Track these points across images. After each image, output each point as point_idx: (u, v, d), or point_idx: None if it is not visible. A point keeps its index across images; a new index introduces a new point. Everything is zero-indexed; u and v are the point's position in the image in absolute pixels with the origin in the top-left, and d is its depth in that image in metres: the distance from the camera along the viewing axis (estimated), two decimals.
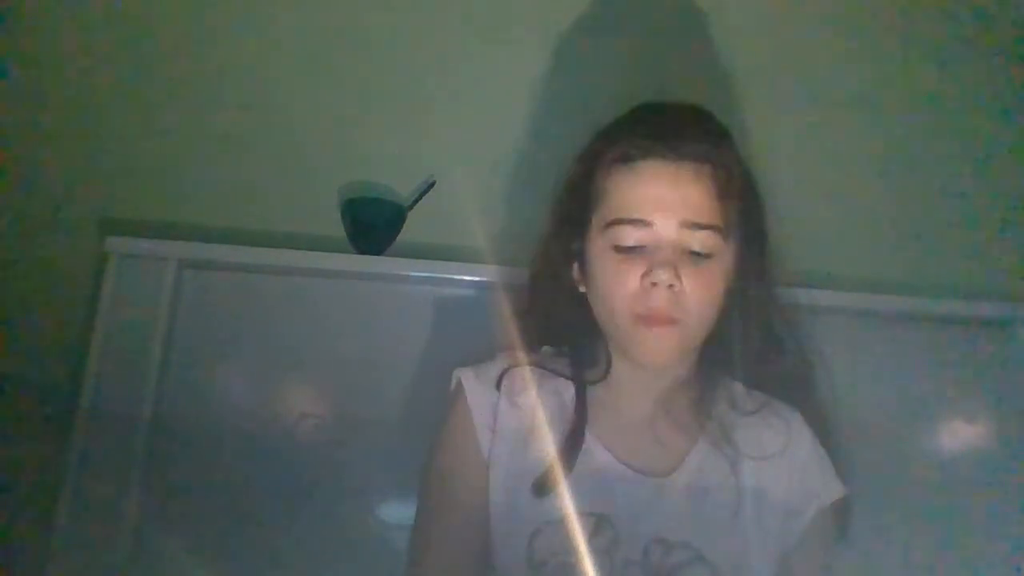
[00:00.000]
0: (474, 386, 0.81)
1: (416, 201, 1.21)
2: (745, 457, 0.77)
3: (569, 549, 0.71)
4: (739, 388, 0.83)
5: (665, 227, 0.72)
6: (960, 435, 1.17)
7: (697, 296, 0.72)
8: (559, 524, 0.72)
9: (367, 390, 1.16)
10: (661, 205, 0.72)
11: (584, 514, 0.73)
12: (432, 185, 1.21)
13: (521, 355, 0.83)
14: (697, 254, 0.73)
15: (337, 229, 1.20)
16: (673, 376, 0.80)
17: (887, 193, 1.26)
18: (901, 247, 1.25)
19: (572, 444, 0.76)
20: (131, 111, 1.24)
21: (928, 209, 1.26)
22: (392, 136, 1.25)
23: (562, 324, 0.84)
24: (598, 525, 0.73)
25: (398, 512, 1.12)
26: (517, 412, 0.78)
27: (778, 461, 0.78)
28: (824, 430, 0.83)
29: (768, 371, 0.82)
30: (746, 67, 1.26)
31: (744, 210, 0.77)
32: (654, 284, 0.71)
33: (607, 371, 0.81)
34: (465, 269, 1.16)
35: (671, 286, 0.71)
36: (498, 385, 0.80)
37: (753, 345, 0.80)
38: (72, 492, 1.06)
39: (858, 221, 1.25)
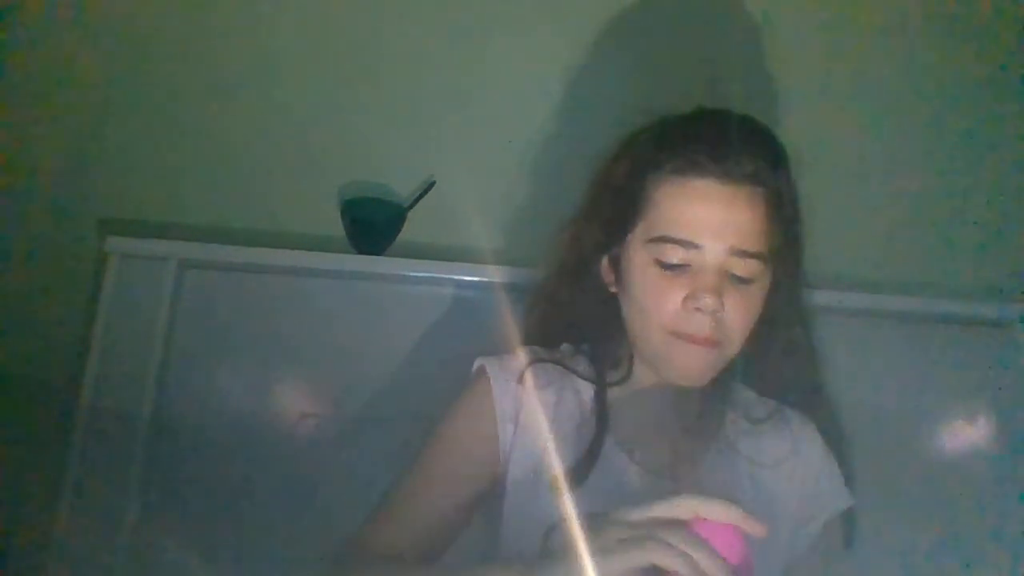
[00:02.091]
0: (499, 375, 0.79)
1: (416, 201, 1.21)
2: (755, 463, 0.77)
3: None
4: (751, 395, 0.83)
5: (713, 252, 0.71)
6: (960, 435, 1.17)
7: (738, 319, 0.71)
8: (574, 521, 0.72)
9: (367, 390, 1.16)
10: (712, 229, 0.71)
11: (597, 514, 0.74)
12: (432, 185, 1.21)
13: (541, 351, 0.82)
14: (739, 278, 0.72)
15: (337, 229, 1.20)
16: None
17: (887, 193, 1.26)
18: (901, 247, 1.25)
19: (591, 451, 0.75)
20: (131, 111, 1.24)
21: (928, 209, 1.26)
22: (392, 136, 1.25)
23: (585, 321, 0.83)
24: None
25: None
26: (539, 408, 0.77)
27: (787, 468, 0.78)
28: (838, 440, 0.83)
29: (784, 381, 0.82)
30: (745, 69, 1.26)
31: (789, 233, 0.76)
32: (697, 309, 0.70)
33: (628, 374, 0.80)
34: (465, 269, 1.16)
35: (714, 311, 0.70)
36: (521, 379, 0.78)
37: (773, 356, 0.80)
38: (72, 492, 1.06)
39: (858, 221, 1.25)
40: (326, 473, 1.12)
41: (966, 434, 1.17)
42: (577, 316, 0.83)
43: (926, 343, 1.19)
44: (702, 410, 0.80)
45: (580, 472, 0.73)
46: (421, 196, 1.21)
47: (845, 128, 1.27)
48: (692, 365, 0.72)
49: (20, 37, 1.24)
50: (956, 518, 1.11)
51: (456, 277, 1.17)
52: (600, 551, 0.51)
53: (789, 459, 0.78)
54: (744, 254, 0.71)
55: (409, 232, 1.21)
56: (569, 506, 0.67)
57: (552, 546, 0.67)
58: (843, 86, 1.28)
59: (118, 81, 1.24)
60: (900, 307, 1.18)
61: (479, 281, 1.16)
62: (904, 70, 1.29)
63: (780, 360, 0.81)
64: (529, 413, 0.77)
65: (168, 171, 1.23)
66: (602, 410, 0.77)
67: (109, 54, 1.24)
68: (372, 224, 1.18)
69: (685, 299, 0.71)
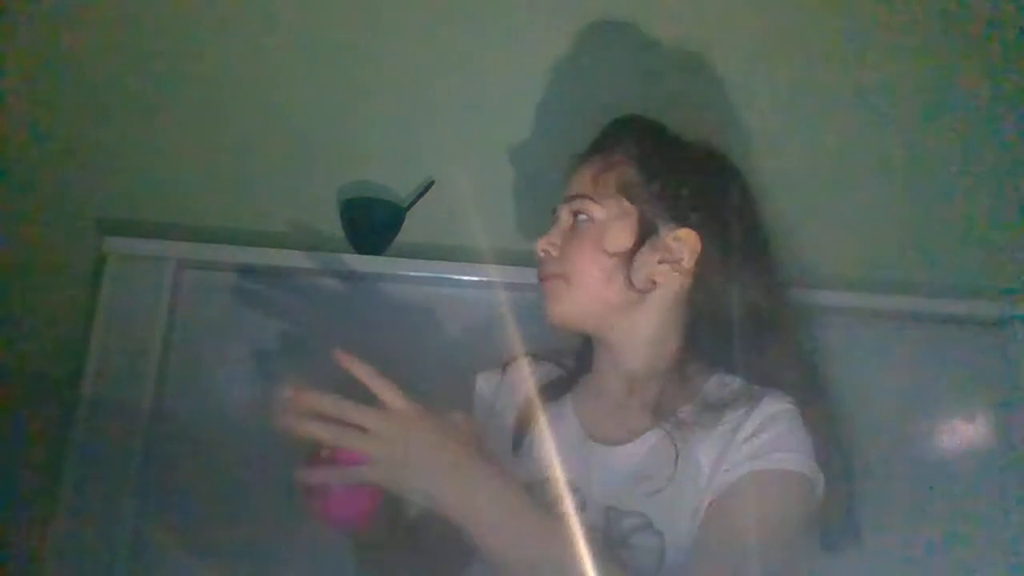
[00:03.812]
0: (483, 380, 0.96)
1: (415, 201, 1.21)
2: (700, 432, 0.76)
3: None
4: (731, 381, 0.81)
5: (561, 209, 0.87)
6: (960, 435, 1.17)
7: (572, 252, 0.83)
8: (532, 485, 0.78)
9: (367, 390, 1.16)
10: (563, 195, 0.88)
11: (546, 479, 0.81)
12: (431, 186, 1.21)
13: (529, 349, 0.95)
14: (581, 221, 0.84)
15: (337, 229, 1.20)
16: (642, 365, 0.83)
17: (887, 193, 1.26)
18: (901, 247, 1.25)
19: (526, 420, 0.87)
20: (131, 111, 1.24)
21: (928, 209, 1.26)
22: (392, 136, 1.25)
23: None
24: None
25: None
26: (512, 389, 0.92)
27: (726, 436, 0.75)
28: (830, 430, 0.80)
29: (762, 367, 0.81)
30: (748, 68, 1.26)
31: (684, 196, 0.82)
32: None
33: (589, 362, 0.90)
34: (465, 269, 1.16)
35: (545, 251, 0.86)
36: (504, 371, 0.95)
37: (746, 340, 0.81)
38: (72, 492, 1.06)
39: (858, 221, 1.25)
40: None
41: (966, 434, 1.17)
42: None
43: (926, 343, 1.19)
44: (658, 394, 0.81)
45: (518, 435, 0.87)
46: (420, 196, 1.21)
47: (844, 129, 1.27)
48: (548, 301, 0.85)
49: (20, 37, 1.24)
50: (956, 518, 1.11)
51: (456, 277, 1.17)
52: None
53: (732, 428, 0.75)
54: (571, 198, 0.85)
55: (409, 232, 1.21)
56: (531, 471, 0.81)
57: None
58: (843, 87, 1.28)
59: (118, 81, 1.24)
60: (900, 307, 1.18)
61: (479, 281, 1.16)
62: (904, 71, 1.29)
63: (752, 347, 0.81)
64: (504, 397, 0.93)
65: (167, 171, 1.23)
66: (558, 387, 0.90)
67: (109, 54, 1.24)
68: (371, 224, 1.18)
69: None
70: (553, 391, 0.90)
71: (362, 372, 0.71)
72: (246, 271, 1.18)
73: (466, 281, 1.17)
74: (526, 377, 0.93)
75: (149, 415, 1.10)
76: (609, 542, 0.76)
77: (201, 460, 1.11)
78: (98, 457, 1.08)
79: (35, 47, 1.24)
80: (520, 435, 0.87)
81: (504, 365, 0.95)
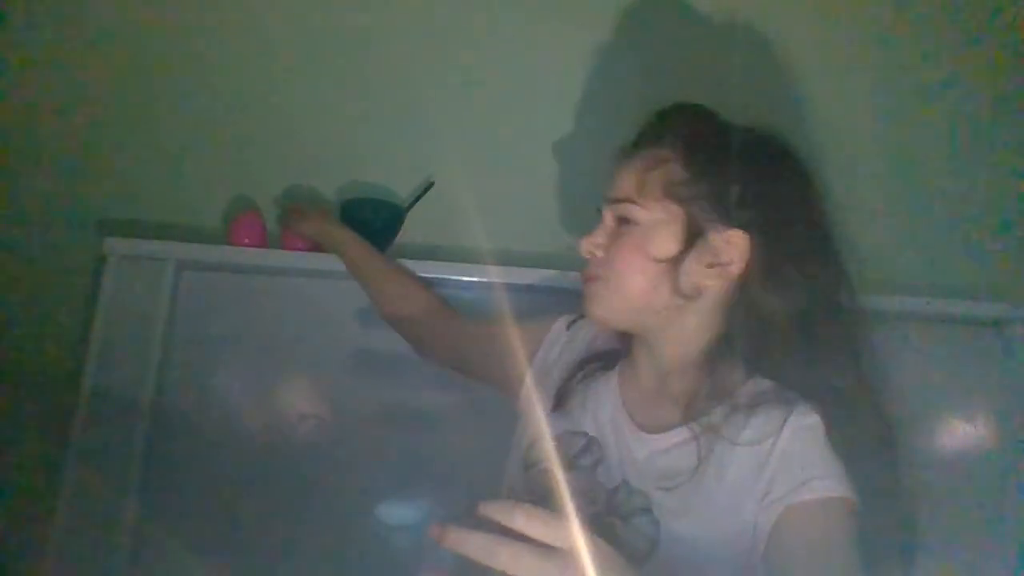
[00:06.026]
0: (559, 324, 0.98)
1: (415, 202, 1.21)
2: (726, 441, 0.75)
3: (554, 459, 0.84)
4: (764, 386, 0.78)
5: (605, 210, 0.84)
6: (960, 435, 1.17)
7: (615, 256, 0.81)
8: (561, 435, 0.84)
9: (367, 390, 1.16)
10: (606, 195, 0.85)
11: (579, 432, 0.84)
12: (431, 186, 1.21)
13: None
14: (626, 224, 0.81)
15: None
16: (676, 363, 0.82)
17: (887, 193, 1.26)
18: (901, 247, 1.25)
19: (569, 379, 0.90)
20: (131, 111, 1.24)
21: (928, 209, 1.26)
22: (392, 136, 1.25)
23: None
24: (588, 445, 0.83)
25: (398, 512, 1.12)
26: (572, 345, 0.94)
27: (753, 449, 0.74)
28: (876, 446, 0.79)
29: (805, 377, 0.77)
30: (749, 67, 1.25)
31: (735, 194, 0.78)
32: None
33: (627, 349, 0.89)
34: (465, 269, 1.16)
35: (591, 253, 0.84)
36: (569, 327, 0.97)
37: (787, 346, 0.77)
38: (72, 492, 1.06)
39: (857, 221, 1.24)
40: (325, 473, 1.12)
41: (965, 434, 1.17)
42: None
43: (926, 343, 1.19)
44: (688, 390, 0.80)
45: (562, 392, 0.89)
46: (420, 196, 1.21)
47: (843, 129, 1.26)
48: (586, 300, 0.84)
49: (20, 37, 1.24)
50: (955, 518, 1.11)
51: (456, 277, 1.17)
52: None
53: (758, 440, 0.74)
54: (614, 201, 0.82)
55: (409, 232, 1.21)
56: (556, 423, 0.86)
57: (531, 458, 0.86)
58: (842, 87, 1.27)
59: (118, 82, 1.24)
60: (900, 307, 1.18)
61: (479, 281, 1.16)
62: (903, 72, 1.29)
63: (800, 354, 0.77)
64: (564, 351, 0.95)
65: (167, 172, 1.23)
66: (609, 358, 0.90)
67: (109, 55, 1.24)
68: (370, 225, 1.18)
69: None
70: (604, 360, 0.90)
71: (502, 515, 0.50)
72: (245, 272, 1.18)
73: (466, 281, 1.17)
74: (584, 340, 0.94)
75: (149, 415, 1.10)
76: (613, 511, 0.77)
77: (200, 461, 1.12)
78: (98, 457, 1.08)
79: (35, 48, 1.24)
80: (564, 393, 0.88)
81: (571, 322, 0.96)
